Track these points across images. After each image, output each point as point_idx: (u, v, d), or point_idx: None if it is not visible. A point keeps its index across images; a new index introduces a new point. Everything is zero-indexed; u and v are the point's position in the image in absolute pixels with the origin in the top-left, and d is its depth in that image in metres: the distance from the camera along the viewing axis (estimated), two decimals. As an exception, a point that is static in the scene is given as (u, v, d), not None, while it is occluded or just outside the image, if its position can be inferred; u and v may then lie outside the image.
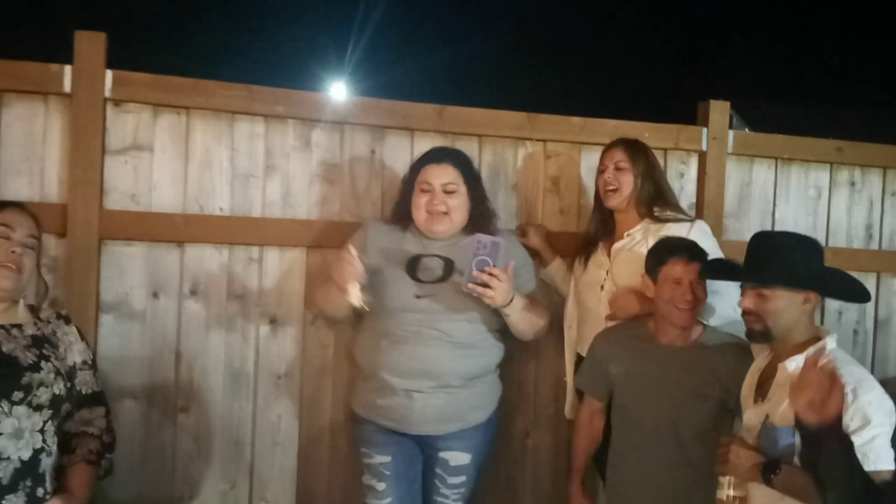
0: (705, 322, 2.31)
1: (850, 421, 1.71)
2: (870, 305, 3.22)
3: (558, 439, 2.88)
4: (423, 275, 2.39)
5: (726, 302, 2.29)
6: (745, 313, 1.94)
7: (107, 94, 2.40)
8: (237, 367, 2.57)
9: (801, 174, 3.14)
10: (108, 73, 2.40)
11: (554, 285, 2.78)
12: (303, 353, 2.63)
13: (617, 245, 2.53)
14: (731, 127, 3.05)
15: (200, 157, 2.52)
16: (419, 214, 2.41)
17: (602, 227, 2.61)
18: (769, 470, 1.82)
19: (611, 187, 2.52)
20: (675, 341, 2.24)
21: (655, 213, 2.49)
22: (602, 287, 2.53)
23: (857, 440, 1.69)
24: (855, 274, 2.06)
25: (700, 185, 2.98)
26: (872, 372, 3.20)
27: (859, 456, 1.68)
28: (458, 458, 2.46)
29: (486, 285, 2.26)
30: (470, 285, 2.26)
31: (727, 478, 1.92)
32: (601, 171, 2.57)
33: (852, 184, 3.21)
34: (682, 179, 2.98)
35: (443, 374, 2.36)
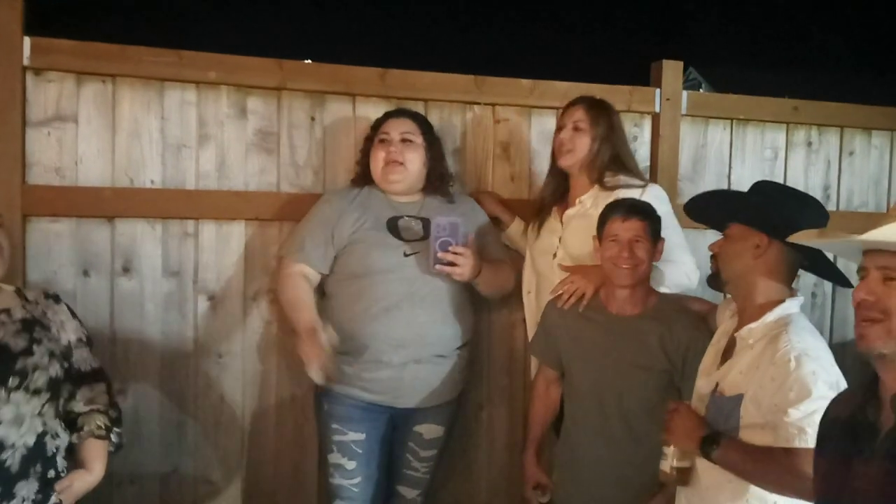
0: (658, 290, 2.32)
1: (790, 392, 1.68)
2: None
3: (513, 411, 2.93)
4: (406, 234, 2.47)
5: (679, 269, 2.35)
6: (711, 258, 1.97)
7: (25, 62, 2.35)
8: (175, 346, 2.56)
9: (756, 135, 3.18)
10: (27, 40, 2.35)
11: (515, 247, 2.80)
12: (245, 330, 2.64)
13: (569, 212, 2.55)
14: (698, 88, 3.10)
15: (129, 128, 2.49)
16: (376, 165, 2.48)
17: (555, 192, 2.63)
18: (709, 443, 1.77)
19: (566, 147, 2.53)
20: (625, 311, 2.24)
21: (606, 180, 2.49)
22: (555, 255, 2.56)
23: (794, 413, 1.66)
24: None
25: (654, 147, 3.01)
26: (831, 334, 3.32)
27: (794, 431, 1.65)
28: (433, 430, 2.55)
29: (452, 264, 2.37)
30: (437, 267, 2.38)
31: (671, 448, 1.88)
32: (559, 128, 2.58)
33: (809, 144, 3.26)
34: (636, 142, 3.00)
35: (436, 341, 2.45)
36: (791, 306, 1.83)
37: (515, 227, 2.78)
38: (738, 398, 1.78)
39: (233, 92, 2.59)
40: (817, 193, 3.27)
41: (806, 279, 3.27)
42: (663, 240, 2.27)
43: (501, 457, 2.93)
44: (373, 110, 2.68)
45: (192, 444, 2.61)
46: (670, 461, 1.89)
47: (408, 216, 2.50)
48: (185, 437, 2.61)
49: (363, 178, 2.55)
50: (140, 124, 2.51)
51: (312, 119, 2.69)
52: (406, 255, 2.44)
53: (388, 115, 2.56)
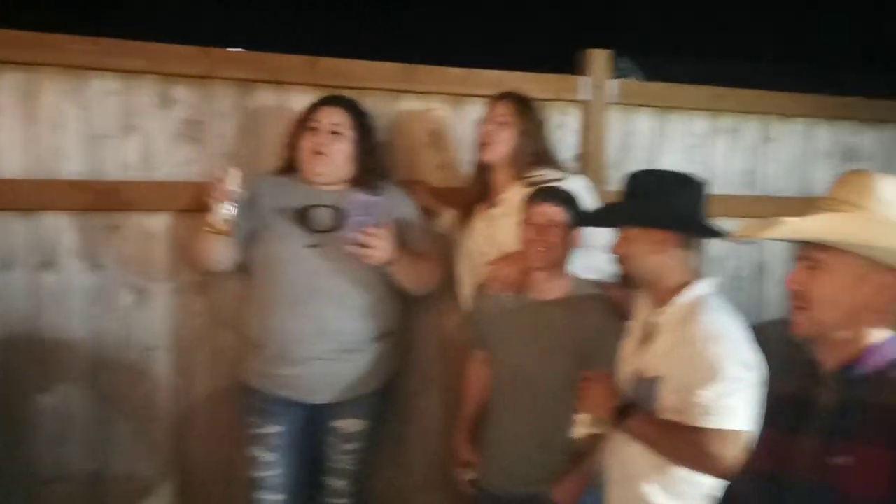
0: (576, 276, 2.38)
1: (700, 373, 1.73)
2: (751, 251, 3.46)
3: (446, 398, 2.97)
4: (314, 225, 2.45)
5: (596, 258, 2.43)
6: (618, 258, 2.01)
7: (-63, 50, 2.31)
8: (102, 341, 2.54)
9: (682, 122, 3.28)
10: (-63, 27, 2.31)
11: (449, 236, 2.83)
12: (173, 323, 2.63)
13: (494, 211, 2.58)
14: (631, 77, 3.18)
15: (49, 118, 2.45)
16: (302, 154, 2.47)
17: (480, 188, 2.66)
18: (623, 413, 1.84)
19: (489, 141, 2.57)
20: (542, 295, 2.31)
21: (528, 176, 2.52)
22: (486, 253, 2.58)
23: (703, 394, 1.72)
24: (736, 220, 2.19)
25: (582, 136, 3.09)
26: (752, 316, 3.47)
27: (702, 411, 1.71)
28: (353, 425, 2.55)
29: (366, 245, 2.35)
30: (350, 247, 2.35)
31: (584, 415, 1.92)
32: (482, 123, 2.61)
33: (732, 130, 3.37)
34: (565, 130, 3.08)
35: (342, 335, 2.42)
36: (702, 287, 1.90)
37: (447, 217, 2.83)
38: (655, 380, 1.86)
39: (158, 81, 2.57)
40: (739, 179, 3.41)
41: (730, 262, 3.42)
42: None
43: (435, 443, 2.98)
44: (302, 99, 2.68)
45: (121, 441, 2.60)
46: (581, 428, 1.94)
47: (322, 206, 2.48)
48: (114, 433, 2.59)
49: (289, 165, 2.54)
50: (61, 114, 2.47)
51: (240, 108, 2.68)
52: (308, 248, 2.42)
53: (322, 102, 2.54)
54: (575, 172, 2.70)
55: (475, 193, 2.67)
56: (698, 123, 3.33)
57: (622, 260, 1.99)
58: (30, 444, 2.50)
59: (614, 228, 2.02)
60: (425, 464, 2.98)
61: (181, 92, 2.61)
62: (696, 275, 1.94)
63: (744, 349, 1.79)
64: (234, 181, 2.28)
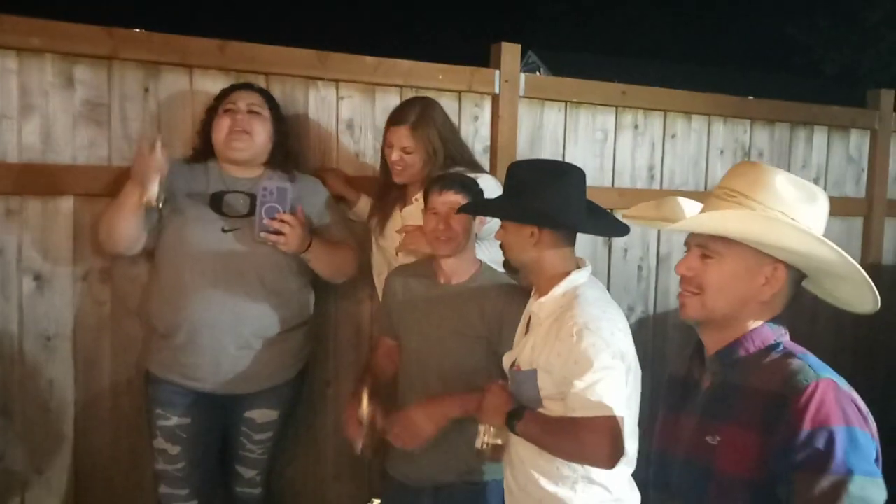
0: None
1: (574, 364, 1.80)
2: (653, 242, 3.62)
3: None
4: (228, 210, 2.43)
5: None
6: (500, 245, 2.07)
7: None
8: (-1, 329, 2.46)
9: (589, 117, 3.40)
10: None
11: (364, 223, 2.83)
12: (75, 311, 2.55)
13: (408, 209, 2.60)
14: (536, 71, 3.26)
15: (-59, 96, 2.35)
16: (220, 134, 2.44)
17: (391, 195, 2.67)
18: (513, 418, 1.90)
19: (398, 168, 2.56)
20: (450, 280, 2.35)
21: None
22: (396, 252, 2.62)
23: (578, 385, 1.78)
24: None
25: (494, 128, 3.15)
26: (655, 306, 3.64)
27: (578, 402, 1.78)
28: (266, 415, 2.53)
29: (278, 232, 2.34)
30: (262, 234, 2.34)
31: (484, 425, 1.99)
32: (388, 146, 2.58)
33: (636, 126, 3.51)
34: (477, 122, 3.14)
35: (256, 322, 2.40)
36: (578, 278, 1.97)
37: (363, 204, 2.83)
38: (533, 372, 1.93)
39: (58, 60, 2.48)
40: (643, 173, 3.57)
41: (633, 252, 3.56)
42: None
43: (347, 432, 3.01)
44: (211, 83, 2.65)
45: (19, 432, 2.51)
46: (482, 438, 2.01)
47: (236, 191, 2.47)
48: (12, 424, 2.50)
49: (202, 152, 2.51)
50: (-46, 92, 2.37)
51: (146, 90, 2.61)
52: (224, 232, 2.39)
53: (234, 87, 2.54)
54: (483, 171, 2.72)
55: (390, 195, 2.67)
56: (604, 118, 3.45)
57: (502, 247, 2.07)
58: (-82, 439, 2.39)
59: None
60: (338, 453, 2.99)
61: (83, 72, 2.53)
62: (574, 265, 2.01)
63: (613, 339, 1.85)
64: (160, 151, 2.24)
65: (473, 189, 2.34)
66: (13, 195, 2.45)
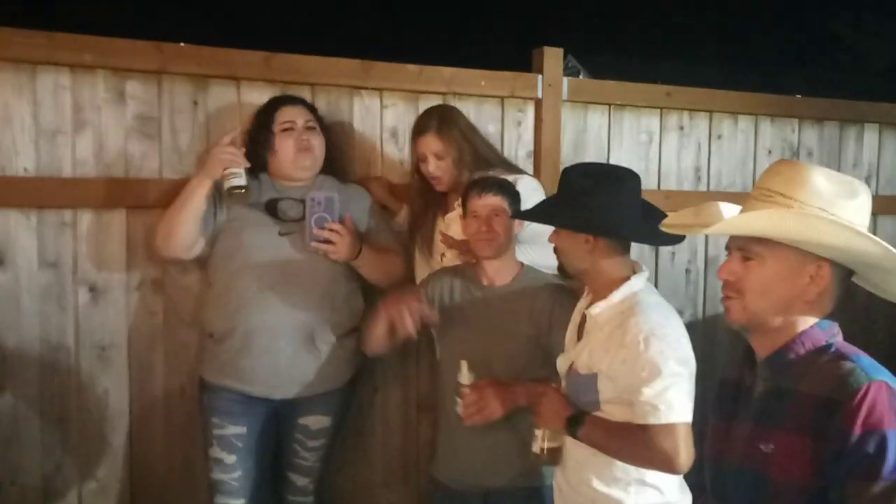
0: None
1: (642, 372, 1.80)
2: (700, 244, 3.58)
3: (407, 393, 3.02)
4: (283, 215, 2.48)
5: (549, 252, 2.49)
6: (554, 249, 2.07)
7: None
8: (55, 340, 2.51)
9: (633, 120, 3.37)
10: None
11: (406, 232, 2.83)
12: (129, 321, 2.60)
13: (450, 215, 2.62)
14: (577, 75, 3.26)
15: (-2, 113, 2.41)
16: (286, 154, 2.50)
17: (431, 197, 2.68)
18: (574, 423, 1.91)
19: (436, 178, 2.59)
20: (494, 282, 2.36)
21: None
22: (444, 256, 2.63)
23: (647, 392, 1.78)
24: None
25: (537, 132, 3.14)
26: (704, 309, 3.59)
27: (647, 409, 1.79)
28: (320, 421, 2.56)
29: (328, 241, 2.39)
30: (313, 244, 2.39)
31: (541, 430, 2.01)
32: (421, 160, 2.61)
33: (681, 128, 3.48)
34: (520, 128, 3.14)
35: (313, 326, 2.43)
36: (636, 283, 1.96)
37: (404, 214, 2.85)
38: (593, 376, 1.92)
39: (110, 75, 2.54)
40: (689, 175, 3.53)
41: (680, 256, 3.53)
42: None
43: (397, 438, 3.01)
44: (258, 95, 2.69)
45: (75, 442, 2.56)
46: (540, 442, 2.02)
47: (290, 198, 2.52)
48: (69, 434, 2.55)
49: (252, 168, 2.51)
50: (11, 110, 2.42)
51: (195, 103, 2.66)
52: (281, 235, 2.45)
53: (281, 102, 2.57)
54: (523, 172, 2.73)
55: (428, 203, 2.70)
56: (648, 121, 3.42)
57: (556, 253, 2.07)
58: (-20, 448, 2.45)
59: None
60: (388, 459, 3.00)
61: (134, 87, 2.58)
62: (630, 270, 2.00)
63: (679, 345, 1.86)
64: (233, 142, 2.37)
65: (511, 191, 2.36)
66: (68, 208, 2.51)
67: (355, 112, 2.90)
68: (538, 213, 2.18)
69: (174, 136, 2.65)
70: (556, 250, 2.07)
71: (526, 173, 2.74)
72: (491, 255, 2.33)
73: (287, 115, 2.54)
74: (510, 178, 2.54)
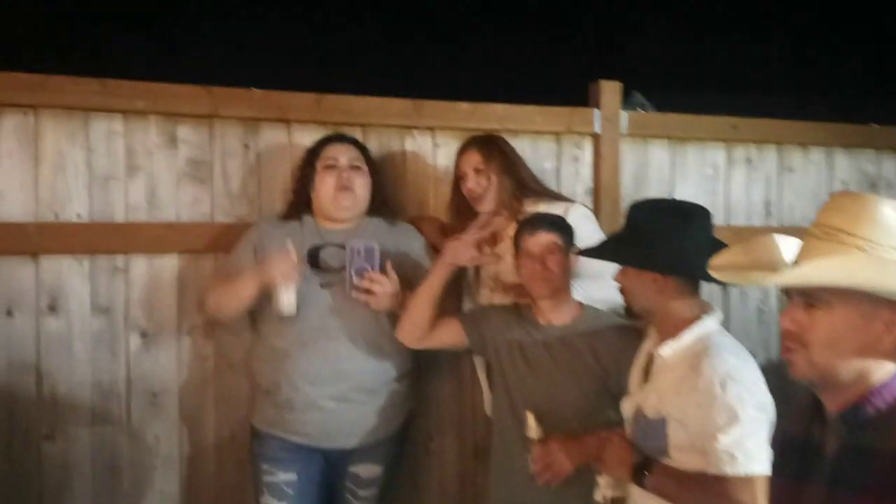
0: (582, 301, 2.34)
1: (717, 417, 1.69)
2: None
3: (463, 441, 2.92)
4: (325, 265, 2.43)
5: (605, 287, 2.38)
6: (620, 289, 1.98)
7: (-60, 93, 2.30)
8: (106, 386, 2.50)
9: (697, 153, 3.25)
10: (-59, 71, 2.32)
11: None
12: (179, 367, 2.58)
13: (498, 248, 2.54)
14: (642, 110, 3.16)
15: (53, 160, 2.44)
16: (326, 192, 2.44)
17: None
18: (641, 471, 1.80)
19: (477, 193, 2.55)
20: (553, 321, 2.27)
21: (523, 214, 2.47)
22: (494, 290, 2.56)
23: (724, 439, 1.67)
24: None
25: (596, 168, 3.05)
26: (778, 352, 3.40)
27: (724, 458, 1.67)
28: (371, 470, 2.49)
29: (368, 291, 2.34)
30: (353, 294, 2.34)
31: (604, 478, 1.91)
32: (461, 177, 2.59)
33: (749, 161, 3.35)
34: (578, 164, 3.05)
35: (359, 376, 2.38)
36: (709, 324, 1.85)
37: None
38: (662, 421, 1.80)
39: (161, 120, 2.56)
40: (758, 209, 3.37)
41: (753, 294, 3.36)
42: (577, 248, 2.29)
43: (452, 487, 2.91)
44: (308, 137, 2.67)
45: (127, 489, 2.54)
46: (604, 491, 1.92)
47: (332, 244, 2.47)
48: (121, 481, 2.53)
49: (297, 207, 2.51)
50: (64, 156, 2.46)
51: (246, 147, 2.66)
52: (322, 287, 2.40)
53: (328, 140, 2.54)
54: (571, 200, 2.65)
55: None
56: (714, 154, 3.30)
57: (622, 291, 1.98)
58: (35, 493, 2.44)
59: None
60: (441, 509, 2.90)
61: (186, 131, 2.60)
62: (701, 309, 1.89)
63: (758, 390, 1.75)
64: (292, 258, 2.29)
65: (564, 226, 2.29)
66: (119, 254, 2.52)
67: (407, 152, 2.86)
68: (603, 251, 2.07)
69: (226, 179, 2.65)
70: (621, 289, 1.99)
71: (575, 201, 2.64)
72: (547, 294, 2.26)
73: (332, 152, 2.50)
74: (560, 207, 2.48)
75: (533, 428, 2.11)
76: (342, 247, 2.43)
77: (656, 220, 1.89)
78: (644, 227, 1.89)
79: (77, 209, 2.48)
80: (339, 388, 2.37)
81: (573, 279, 2.36)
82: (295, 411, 2.38)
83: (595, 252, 2.09)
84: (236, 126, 2.66)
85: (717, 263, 1.57)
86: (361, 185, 2.49)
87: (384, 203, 2.60)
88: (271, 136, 2.70)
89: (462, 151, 2.61)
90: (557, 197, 2.62)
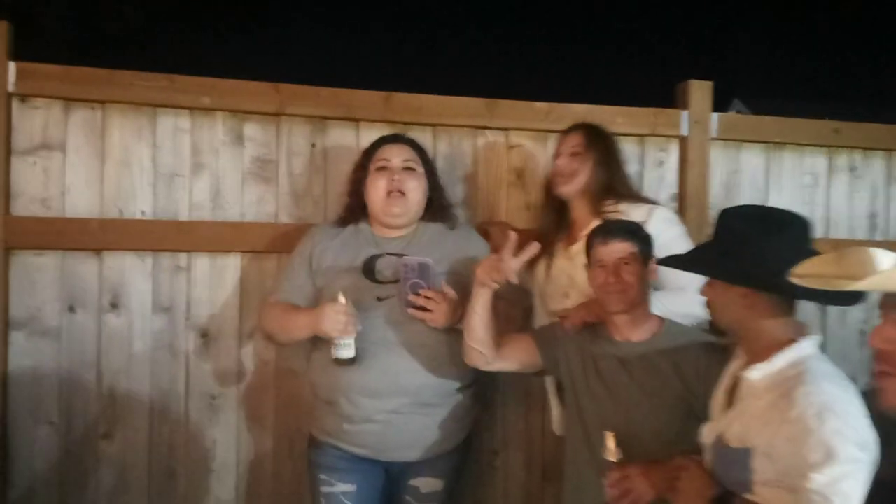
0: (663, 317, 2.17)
1: (810, 452, 1.49)
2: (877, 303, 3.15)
3: (531, 458, 2.79)
4: (381, 277, 2.32)
5: (687, 298, 2.19)
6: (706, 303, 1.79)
7: (10, 88, 2.32)
8: (166, 387, 2.47)
9: (795, 159, 3.04)
10: (11, 65, 2.32)
11: (527, 285, 2.61)
12: (239, 370, 2.54)
13: (575, 248, 2.40)
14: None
15: (118, 156, 2.43)
16: (377, 195, 2.32)
17: (556, 226, 2.50)
18: None
19: (564, 174, 2.42)
20: (631, 338, 2.11)
21: (607, 212, 2.35)
22: (567, 295, 2.42)
23: (817, 479, 1.48)
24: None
25: (682, 173, 2.87)
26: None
27: (817, 500, 1.48)
28: (431, 484, 2.38)
29: (424, 308, 2.21)
30: (409, 311, 2.22)
31: None
32: (555, 157, 2.47)
33: (852, 169, 3.11)
34: (662, 168, 2.88)
35: (418, 390, 2.28)
36: (806, 347, 1.65)
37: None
38: (746, 452, 1.62)
39: (228, 118, 2.53)
40: (862, 222, 3.12)
41: (853, 315, 3.10)
42: (654, 258, 2.13)
43: (517, 505, 2.78)
44: (377, 136, 2.57)
45: (183, 493, 2.50)
46: None
47: (389, 254, 2.34)
48: (176, 485, 2.50)
49: (352, 212, 2.39)
50: (130, 152, 2.45)
51: (313, 145, 2.61)
52: (379, 300, 2.28)
53: (383, 141, 2.41)
54: (654, 202, 2.47)
55: (553, 234, 2.49)
56: (813, 161, 3.07)
57: (708, 306, 1.78)
58: (92, 493, 2.43)
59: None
60: (505, 530, 2.76)
61: (252, 129, 2.55)
62: (797, 331, 1.69)
63: (860, 425, 1.52)
64: (350, 311, 2.17)
65: (641, 234, 2.11)
66: (182, 252, 2.49)
67: (479, 153, 2.75)
68: (687, 261, 1.88)
69: (291, 179, 2.59)
70: (707, 304, 1.79)
71: (658, 203, 2.47)
72: (623, 308, 2.08)
73: (385, 153, 2.36)
74: (642, 209, 2.33)
75: (612, 450, 1.95)
76: (399, 256, 2.31)
77: (748, 229, 1.69)
78: (734, 236, 1.70)
79: (141, 206, 2.47)
80: (398, 402, 2.27)
81: (654, 290, 2.19)
82: (354, 423, 2.29)
83: (678, 262, 1.92)
84: (303, 124, 2.60)
85: (803, 272, 1.40)
86: (415, 189, 2.35)
87: (443, 206, 2.45)
88: (339, 135, 2.63)
89: (566, 132, 2.48)
90: (641, 198, 2.46)
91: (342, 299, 2.16)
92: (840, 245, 2.93)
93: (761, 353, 1.67)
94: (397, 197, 2.32)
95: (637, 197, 2.45)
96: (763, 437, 1.58)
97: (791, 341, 1.66)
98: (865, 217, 3.13)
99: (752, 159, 3.01)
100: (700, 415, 1.99)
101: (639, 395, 2.06)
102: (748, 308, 1.68)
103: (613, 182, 2.42)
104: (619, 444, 1.94)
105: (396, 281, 2.28)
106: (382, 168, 2.34)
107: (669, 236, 2.22)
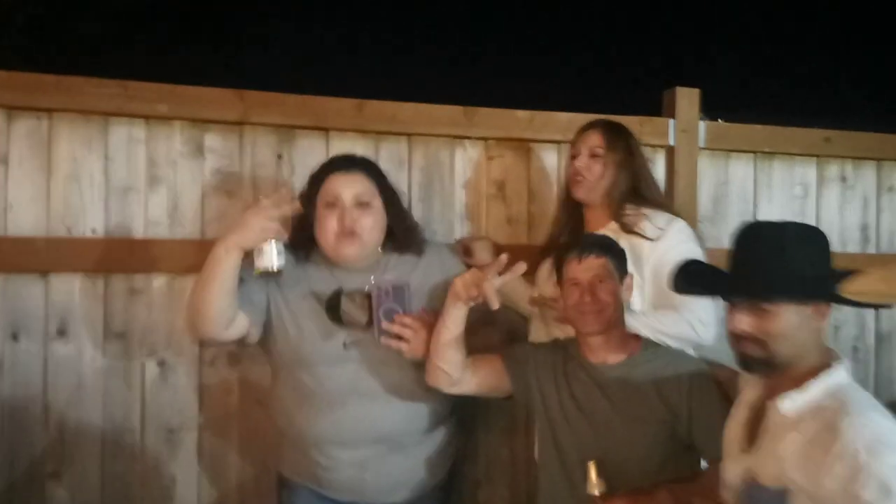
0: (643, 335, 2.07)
1: (863, 490, 1.37)
2: (870, 319, 3.06)
3: (515, 490, 2.65)
4: (348, 318, 2.09)
5: (683, 319, 2.09)
6: (738, 337, 1.58)
7: (-54, 95, 2.15)
8: (119, 421, 2.31)
9: (784, 169, 2.97)
10: (-52, 71, 2.16)
11: (512, 305, 2.48)
12: (200, 400, 2.38)
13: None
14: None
15: (67, 169, 2.27)
16: (326, 237, 2.07)
17: (571, 231, 2.37)
18: None
19: (582, 176, 2.30)
20: (607, 360, 1.99)
21: (626, 216, 2.25)
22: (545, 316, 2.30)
23: None
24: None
25: (669, 184, 2.77)
26: (876, 394, 3.03)
27: None
28: None
29: (400, 337, 2.02)
30: (383, 340, 2.02)
31: None
32: (573, 156, 2.35)
33: (843, 179, 3.05)
34: (649, 179, 2.80)
35: (396, 435, 2.12)
36: (841, 374, 1.52)
37: (512, 282, 2.48)
38: (783, 494, 1.49)
39: (187, 127, 2.38)
40: (854, 234, 3.07)
41: (846, 331, 3.02)
42: (631, 275, 2.05)
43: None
44: (349, 146, 2.44)
45: (138, 536, 2.33)
46: None
47: (351, 291, 2.11)
48: (132, 527, 2.33)
49: (304, 246, 2.14)
50: (80, 165, 2.29)
51: (280, 157, 2.46)
52: (345, 347, 2.08)
53: (331, 168, 2.12)
54: (676, 214, 2.35)
55: (566, 239, 2.34)
56: (803, 171, 3.01)
57: (767, 342, 1.55)
58: (38, 538, 2.25)
59: (741, 300, 1.58)
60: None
61: (213, 139, 2.40)
62: (828, 355, 1.56)
63: None
64: (274, 207, 1.94)
65: (616, 249, 2.02)
66: (138, 273, 2.33)
67: (457, 164, 2.63)
68: (742, 287, 1.62)
69: (256, 193, 2.43)
70: (758, 340, 1.56)
71: (680, 217, 2.34)
72: (598, 329, 1.96)
73: (334, 186, 2.08)
74: (662, 217, 2.23)
75: (594, 482, 1.84)
76: (366, 295, 2.08)
77: (792, 245, 1.55)
78: (782, 253, 1.55)
79: (92, 223, 2.30)
80: (374, 450, 2.10)
81: (633, 313, 2.11)
82: (328, 471, 2.12)
83: (733, 288, 1.64)
84: (269, 134, 2.46)
85: (857, 289, 1.28)
86: (370, 228, 2.08)
87: (407, 235, 2.20)
88: (307, 145, 2.49)
89: (583, 130, 2.36)
90: (663, 206, 2.33)
91: (268, 199, 1.94)
92: (833, 257, 2.85)
93: (790, 381, 1.53)
94: (349, 239, 2.07)
95: (661, 203, 2.34)
96: (804, 474, 1.45)
97: (825, 367, 1.53)
98: (857, 229, 3.07)
99: (740, 169, 2.94)
100: (684, 438, 1.92)
101: (619, 420, 1.95)
102: (819, 329, 1.55)
103: (639, 186, 2.31)
104: (600, 474, 1.84)
105: (366, 324, 2.07)
106: (332, 205, 2.08)
107: (682, 251, 2.09)
